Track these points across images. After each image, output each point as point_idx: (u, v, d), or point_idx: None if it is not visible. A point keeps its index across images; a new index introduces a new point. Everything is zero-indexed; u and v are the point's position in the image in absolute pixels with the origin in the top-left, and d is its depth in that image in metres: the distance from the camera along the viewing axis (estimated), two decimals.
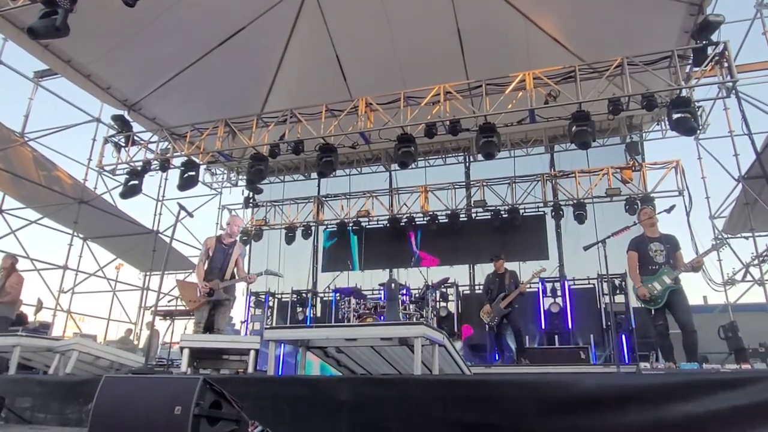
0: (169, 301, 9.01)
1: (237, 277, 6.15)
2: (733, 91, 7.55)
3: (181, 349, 5.10)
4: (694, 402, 2.70)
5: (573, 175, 11.49)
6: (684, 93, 7.48)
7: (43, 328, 10.00)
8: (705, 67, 7.16)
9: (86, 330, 12.43)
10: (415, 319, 8.65)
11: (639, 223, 5.93)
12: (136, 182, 9.67)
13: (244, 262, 6.50)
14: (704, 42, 7.12)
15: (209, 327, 6.08)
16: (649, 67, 7.40)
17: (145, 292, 12.75)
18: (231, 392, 2.79)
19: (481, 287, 9.60)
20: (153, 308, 6.70)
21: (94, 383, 2.86)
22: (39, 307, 7.97)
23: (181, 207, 5.61)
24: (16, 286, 7.44)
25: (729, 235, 10.12)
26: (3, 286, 7.27)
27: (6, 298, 7.28)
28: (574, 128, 7.67)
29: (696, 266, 5.57)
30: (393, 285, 9.25)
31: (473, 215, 12.40)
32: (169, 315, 7.36)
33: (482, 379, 3.81)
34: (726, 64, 7.06)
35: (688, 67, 7.58)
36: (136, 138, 10.14)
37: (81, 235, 11.46)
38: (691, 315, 5.39)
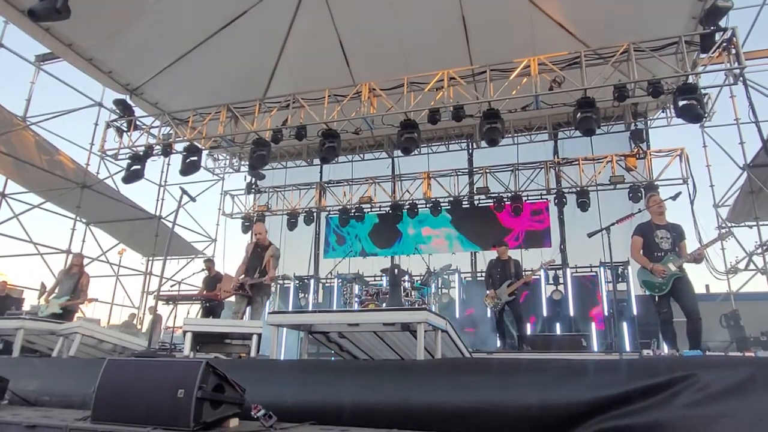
0: (171, 286, 9.06)
1: (264, 277, 6.67)
2: (741, 78, 7.47)
3: (184, 333, 5.12)
4: None
5: (576, 162, 11.40)
6: (690, 80, 7.38)
7: None
8: (712, 53, 7.05)
9: (90, 314, 12.53)
10: (417, 304, 8.67)
11: (647, 209, 5.86)
12: (139, 167, 9.67)
13: (278, 262, 6.96)
14: (712, 28, 7.02)
15: None
16: (655, 53, 7.30)
17: (148, 276, 12.82)
18: (234, 376, 2.79)
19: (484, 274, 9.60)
20: (156, 293, 6.74)
21: (98, 366, 2.87)
22: (42, 291, 8.04)
23: (184, 192, 5.61)
24: (87, 286, 7.90)
25: (733, 224, 10.10)
26: (77, 286, 7.65)
27: (82, 297, 7.74)
28: (578, 115, 7.61)
29: (698, 258, 5.49)
30: (396, 271, 9.27)
31: (476, 202, 12.38)
32: (172, 300, 7.38)
33: (485, 362, 3.81)
34: (734, 51, 6.95)
35: (695, 53, 7.48)
36: (138, 123, 10.11)
37: (84, 220, 11.48)
38: (696, 302, 5.35)
